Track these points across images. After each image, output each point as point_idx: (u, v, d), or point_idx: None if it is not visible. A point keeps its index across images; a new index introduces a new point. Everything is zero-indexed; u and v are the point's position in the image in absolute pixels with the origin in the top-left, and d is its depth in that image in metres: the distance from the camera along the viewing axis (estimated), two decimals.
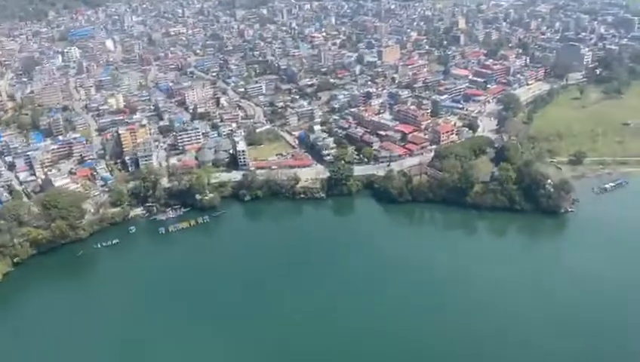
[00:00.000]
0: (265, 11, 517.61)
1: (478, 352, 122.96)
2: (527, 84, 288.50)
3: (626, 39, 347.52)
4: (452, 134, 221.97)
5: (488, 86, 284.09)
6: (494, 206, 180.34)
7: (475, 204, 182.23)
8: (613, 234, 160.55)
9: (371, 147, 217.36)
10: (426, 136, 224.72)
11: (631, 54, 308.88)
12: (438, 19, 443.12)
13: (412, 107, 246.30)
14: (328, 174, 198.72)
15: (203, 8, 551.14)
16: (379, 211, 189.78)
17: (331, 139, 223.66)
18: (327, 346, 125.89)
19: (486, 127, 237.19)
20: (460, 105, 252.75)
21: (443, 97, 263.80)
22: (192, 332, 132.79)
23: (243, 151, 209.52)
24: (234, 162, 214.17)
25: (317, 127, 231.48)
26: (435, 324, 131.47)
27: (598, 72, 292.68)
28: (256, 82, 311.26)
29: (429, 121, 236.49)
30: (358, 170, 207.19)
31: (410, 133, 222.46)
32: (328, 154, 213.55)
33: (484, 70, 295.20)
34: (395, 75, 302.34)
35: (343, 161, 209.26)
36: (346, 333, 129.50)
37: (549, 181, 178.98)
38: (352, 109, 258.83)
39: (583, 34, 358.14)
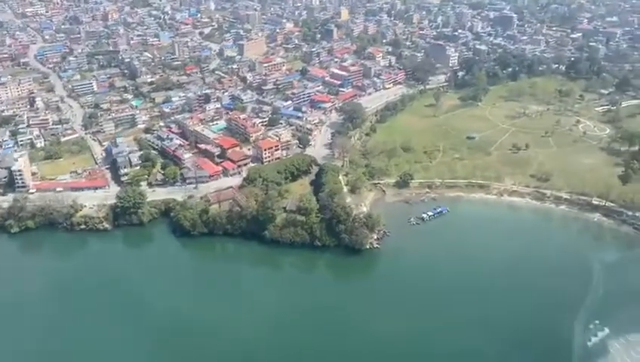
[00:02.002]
0: None
1: None
2: (385, 88, 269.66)
3: (500, 38, 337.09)
4: (277, 150, 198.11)
5: (343, 90, 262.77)
6: (294, 242, 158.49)
7: (274, 239, 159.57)
8: (409, 280, 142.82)
9: (179, 165, 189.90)
10: (250, 152, 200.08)
11: (498, 56, 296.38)
12: (321, 8, 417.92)
13: (242, 116, 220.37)
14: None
15: None
16: (171, 247, 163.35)
17: (138, 154, 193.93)
18: None
19: (322, 141, 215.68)
20: (300, 114, 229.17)
21: (286, 103, 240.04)
22: None
23: (19, 171, 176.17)
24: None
25: (120, 139, 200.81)
26: None
27: (459, 76, 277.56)
28: (93, 77, 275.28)
29: (260, 132, 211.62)
30: (162, 194, 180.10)
31: (230, 148, 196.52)
32: (126, 174, 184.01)
33: (340, 72, 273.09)
34: (249, 75, 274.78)
35: (147, 182, 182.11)
36: None
37: (353, 214, 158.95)
38: (186, 115, 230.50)
39: (460, 31, 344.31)
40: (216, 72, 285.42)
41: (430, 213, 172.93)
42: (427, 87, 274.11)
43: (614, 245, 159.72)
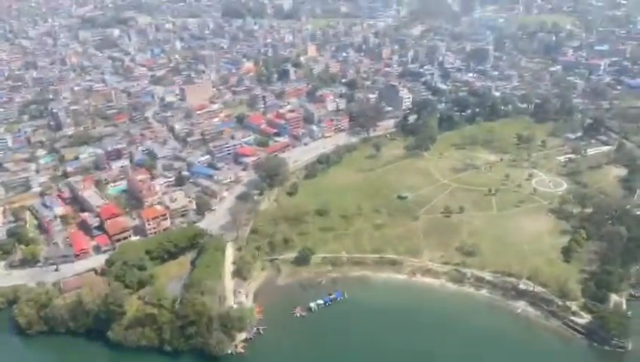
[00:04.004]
0: (117, 32, 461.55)
1: None
2: (324, 137, 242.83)
3: (472, 74, 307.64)
4: (164, 220, 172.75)
5: (278, 139, 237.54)
6: (140, 345, 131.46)
7: (118, 341, 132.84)
8: None
9: (49, 240, 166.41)
10: (136, 223, 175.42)
11: (456, 97, 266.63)
12: (290, 45, 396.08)
13: (140, 176, 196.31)
14: None
15: (53, 28, 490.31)
16: (2, 350, 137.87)
17: (6, 228, 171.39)
18: None
19: (230, 205, 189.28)
20: (211, 172, 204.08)
21: (203, 158, 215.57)
22: None
23: None
24: None
25: None
26: None
27: (409, 121, 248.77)
28: (19, 130, 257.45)
29: (157, 196, 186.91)
30: (17, 278, 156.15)
31: (109, 218, 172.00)
32: None
33: (277, 119, 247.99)
34: (178, 124, 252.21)
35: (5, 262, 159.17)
36: None
37: (216, 310, 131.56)
38: (93, 173, 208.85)
39: (426, 67, 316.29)
40: (149, 121, 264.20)
41: (321, 302, 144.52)
42: (375, 133, 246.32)
43: (536, 352, 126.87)
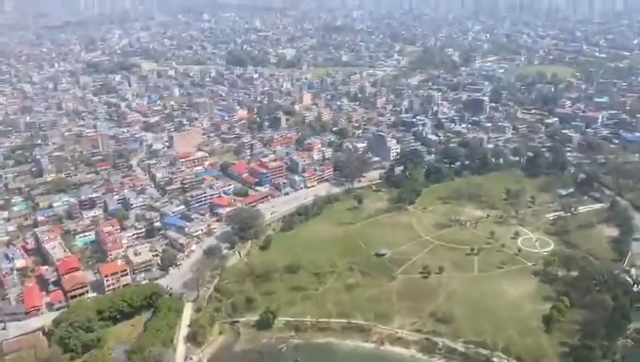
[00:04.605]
0: (118, 77, 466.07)
1: None
2: (307, 187, 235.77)
3: (465, 125, 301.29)
4: (124, 276, 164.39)
5: (259, 189, 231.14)
6: None
7: None
8: None
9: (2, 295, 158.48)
10: (96, 278, 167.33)
11: (444, 148, 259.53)
12: (287, 92, 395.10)
13: (109, 228, 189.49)
14: None
15: (57, 73, 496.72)
16: None
17: None
18: None
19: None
20: (183, 224, 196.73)
21: (176, 209, 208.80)
22: None
23: None
24: None
25: None
26: None
27: (396, 172, 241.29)
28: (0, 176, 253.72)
29: (122, 249, 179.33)
30: None
31: (67, 272, 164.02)
32: None
33: (259, 168, 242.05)
34: (160, 172, 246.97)
35: None
36: None
37: None
38: (64, 223, 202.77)
39: (418, 117, 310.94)
40: (133, 168, 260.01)
41: None
42: (360, 184, 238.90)
43: None
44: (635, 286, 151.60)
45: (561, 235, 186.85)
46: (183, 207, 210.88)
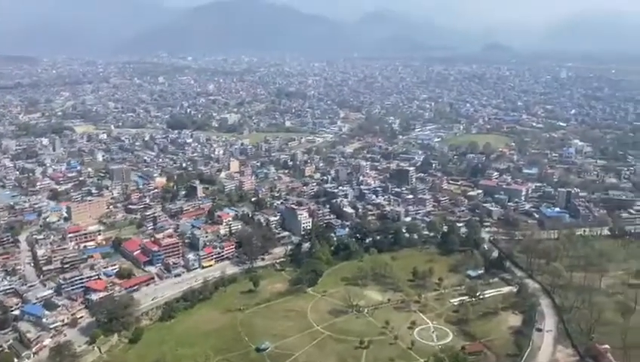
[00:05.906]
0: (45, 141, 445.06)
1: None
2: (202, 267, 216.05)
3: (386, 197, 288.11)
4: None
5: (148, 269, 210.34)
6: None
7: None
8: None
9: None
10: None
11: (354, 224, 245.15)
12: (215, 159, 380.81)
13: None
14: None
15: None
16: None
17: None
18: None
19: None
20: (41, 313, 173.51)
21: (42, 294, 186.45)
22: None
23: None
24: None
25: None
26: None
27: (302, 249, 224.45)
28: None
29: None
30: None
31: None
32: None
33: (150, 246, 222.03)
34: (42, 249, 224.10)
35: None
36: None
37: None
38: None
39: (340, 188, 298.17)
40: (18, 244, 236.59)
41: None
42: (264, 263, 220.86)
43: None
44: None
45: (462, 324, 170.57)
46: (50, 291, 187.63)
